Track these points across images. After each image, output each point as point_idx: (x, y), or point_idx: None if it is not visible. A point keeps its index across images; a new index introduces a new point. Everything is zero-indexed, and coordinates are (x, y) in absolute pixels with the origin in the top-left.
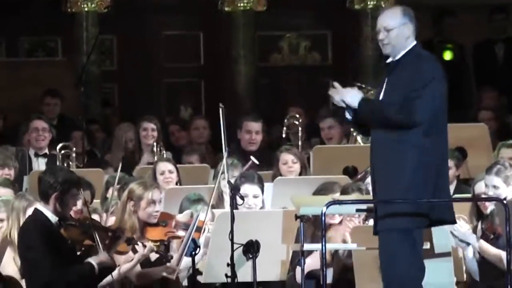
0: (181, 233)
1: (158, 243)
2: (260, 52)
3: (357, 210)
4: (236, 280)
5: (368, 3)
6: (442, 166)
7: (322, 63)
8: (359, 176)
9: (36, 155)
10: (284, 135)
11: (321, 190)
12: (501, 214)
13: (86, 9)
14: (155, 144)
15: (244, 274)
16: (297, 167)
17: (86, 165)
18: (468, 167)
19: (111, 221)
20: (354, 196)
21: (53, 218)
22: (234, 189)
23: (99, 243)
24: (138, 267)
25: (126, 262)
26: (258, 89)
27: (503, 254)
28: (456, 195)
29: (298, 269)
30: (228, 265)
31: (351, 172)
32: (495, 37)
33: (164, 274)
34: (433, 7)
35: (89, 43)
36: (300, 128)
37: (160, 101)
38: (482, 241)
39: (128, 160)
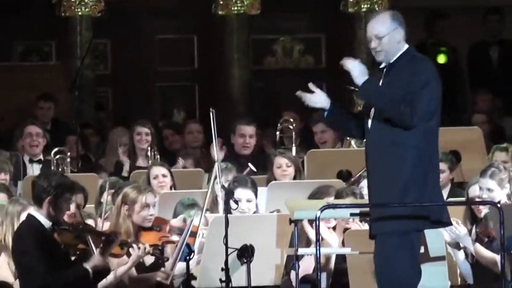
0: (175, 238)
1: (152, 248)
2: (254, 56)
3: (351, 214)
4: (230, 285)
5: (362, 6)
6: (436, 166)
7: (316, 67)
8: (353, 179)
9: (31, 161)
10: (278, 139)
11: (317, 194)
12: (495, 218)
13: (80, 13)
14: (149, 148)
15: (238, 279)
16: (291, 171)
17: (80, 169)
18: (462, 170)
19: (105, 225)
20: (349, 200)
21: (47, 223)
22: (228, 194)
23: (93, 248)
24: (134, 272)
25: (121, 265)
26: (252, 93)
27: (497, 257)
28: (451, 199)
29: (293, 273)
30: (222, 269)
31: (345, 176)
32: (490, 40)
33: (159, 279)
34: (426, 10)
35: (83, 47)
36: (294, 132)
37: (154, 105)
38: (477, 245)
39: (122, 164)
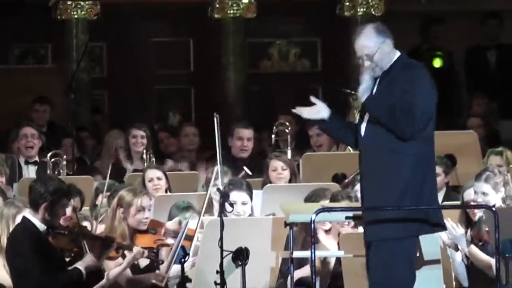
0: (170, 240)
1: (147, 250)
2: (250, 59)
3: (347, 218)
4: None
5: (358, 10)
6: (433, 171)
7: (311, 70)
8: (347, 181)
9: (26, 162)
10: (273, 142)
11: (313, 196)
12: (490, 221)
13: (76, 16)
14: (144, 151)
15: (233, 282)
16: (286, 174)
17: (76, 172)
18: (457, 174)
19: (100, 228)
20: (344, 203)
21: (41, 226)
22: (224, 196)
23: (88, 252)
24: (129, 273)
25: (116, 266)
26: (248, 96)
27: (492, 260)
28: (446, 202)
29: (288, 277)
30: (217, 272)
31: (340, 179)
32: (488, 43)
33: (154, 281)
34: (421, 15)
35: (79, 50)
36: (289, 136)
37: (150, 108)
38: (472, 246)
39: (118, 167)
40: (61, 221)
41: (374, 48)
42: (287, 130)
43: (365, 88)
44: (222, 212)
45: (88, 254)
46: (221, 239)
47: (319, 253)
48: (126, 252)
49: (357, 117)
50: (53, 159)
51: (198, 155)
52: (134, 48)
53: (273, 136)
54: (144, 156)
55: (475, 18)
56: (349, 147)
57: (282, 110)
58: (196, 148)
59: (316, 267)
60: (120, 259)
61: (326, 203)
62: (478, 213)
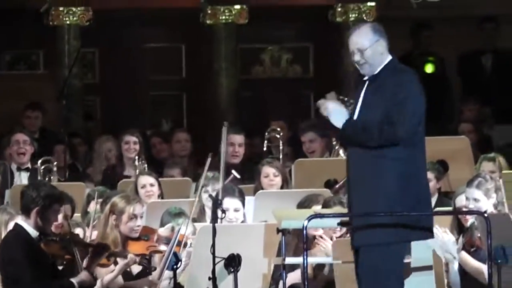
0: (163, 247)
1: (139, 257)
2: (242, 65)
3: (339, 224)
4: None
5: (350, 16)
6: (422, 176)
7: (303, 76)
8: (337, 186)
9: (19, 169)
10: (265, 149)
11: (306, 201)
12: (481, 227)
13: (68, 22)
14: (137, 157)
15: None
16: (278, 180)
17: (68, 178)
18: (449, 180)
19: (93, 235)
20: (336, 209)
21: (34, 233)
22: (216, 203)
23: (79, 259)
24: (121, 280)
25: (108, 273)
26: (240, 102)
27: (483, 267)
28: (438, 208)
29: (281, 283)
30: (209, 279)
31: (332, 185)
32: (483, 48)
33: (146, 287)
34: (413, 20)
35: (71, 56)
36: (281, 142)
37: (142, 114)
38: (463, 253)
39: (110, 173)
40: (53, 229)
41: (368, 44)
42: (278, 136)
43: (337, 118)
44: (215, 218)
45: (84, 272)
46: (213, 245)
47: (311, 260)
48: (118, 259)
49: None
50: (44, 166)
51: (190, 161)
52: (126, 54)
53: (265, 142)
54: (137, 162)
55: (467, 23)
56: (341, 153)
57: (274, 116)
58: (188, 154)
59: (308, 273)
60: (112, 266)
61: (318, 208)
62: (470, 219)
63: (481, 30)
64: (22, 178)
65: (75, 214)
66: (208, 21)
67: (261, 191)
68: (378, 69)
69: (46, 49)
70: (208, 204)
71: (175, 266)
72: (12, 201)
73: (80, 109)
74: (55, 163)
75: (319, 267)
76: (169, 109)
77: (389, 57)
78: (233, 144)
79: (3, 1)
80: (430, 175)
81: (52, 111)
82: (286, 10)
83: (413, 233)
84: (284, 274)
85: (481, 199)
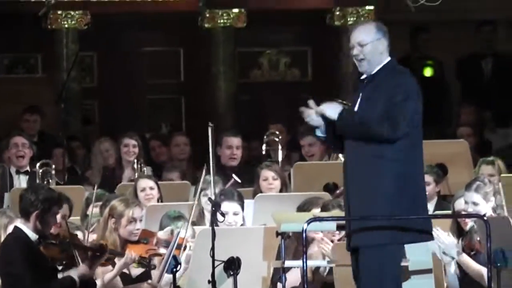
0: (162, 250)
1: (139, 263)
2: (240, 69)
3: (338, 228)
4: None
5: (348, 19)
6: (419, 178)
7: (302, 79)
8: (338, 192)
9: (18, 172)
10: (264, 152)
11: (306, 204)
12: (481, 231)
13: (66, 25)
14: (135, 160)
15: None
16: (277, 183)
17: (67, 182)
18: (448, 183)
19: (92, 238)
20: (335, 212)
21: (33, 236)
22: (215, 206)
23: (79, 263)
24: (120, 284)
25: (106, 273)
26: (238, 105)
27: (483, 270)
28: (437, 212)
29: (279, 286)
30: (209, 282)
31: (331, 188)
32: (482, 52)
33: None
34: (412, 23)
35: (69, 60)
36: (280, 145)
37: (140, 117)
38: (464, 255)
39: (109, 176)
40: (52, 229)
41: (369, 40)
42: (277, 140)
43: (331, 112)
44: (214, 222)
45: (82, 264)
46: (212, 248)
47: (311, 263)
48: (116, 259)
49: None
50: (42, 169)
51: (189, 164)
52: (125, 58)
53: (264, 145)
54: (135, 165)
55: (465, 27)
56: (340, 157)
57: (272, 120)
58: (187, 157)
59: (301, 277)
60: (110, 267)
61: (317, 212)
62: (469, 223)
63: (479, 33)
64: (21, 181)
65: (75, 218)
66: (206, 25)
67: (260, 194)
68: (377, 69)
69: (44, 53)
70: (207, 207)
71: (174, 269)
72: (11, 204)
73: (78, 112)
74: (53, 166)
75: (316, 268)
76: (168, 112)
77: (388, 59)
78: (231, 147)
79: (2, 5)
80: (429, 178)
81: (51, 115)
82: (284, 13)
83: (410, 235)
84: (283, 277)
85: (480, 203)
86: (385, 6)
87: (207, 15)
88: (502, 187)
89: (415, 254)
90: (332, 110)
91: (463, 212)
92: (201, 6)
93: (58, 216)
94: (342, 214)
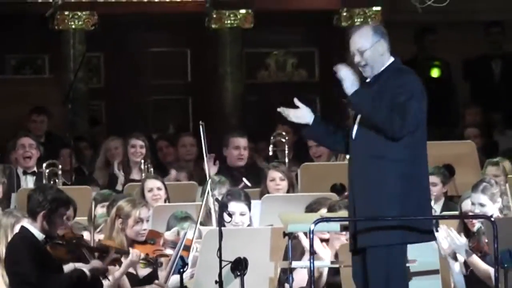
0: (169, 251)
1: (145, 261)
2: (247, 69)
3: (342, 228)
4: None
5: (356, 20)
6: (423, 178)
7: (309, 80)
8: (346, 193)
9: (25, 172)
10: (271, 153)
11: (315, 204)
12: (488, 232)
13: (73, 26)
14: (142, 161)
15: None
16: (284, 184)
17: (74, 182)
18: (456, 184)
19: (99, 238)
20: (341, 213)
21: (40, 236)
22: (222, 207)
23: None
24: (127, 285)
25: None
26: (245, 106)
27: (491, 271)
28: (444, 213)
29: (287, 286)
30: (216, 282)
31: (339, 189)
32: (491, 53)
33: None
34: (419, 24)
35: (76, 61)
36: (287, 146)
37: (147, 118)
38: (474, 256)
39: (115, 177)
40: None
41: (368, 45)
42: (284, 140)
43: (350, 84)
44: (221, 222)
45: (96, 260)
46: (219, 249)
47: (318, 264)
48: (123, 257)
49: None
50: (49, 169)
51: (196, 165)
52: (132, 58)
53: (271, 146)
54: (142, 166)
55: (472, 28)
56: (347, 157)
57: (279, 120)
58: (194, 158)
59: (308, 277)
60: (117, 266)
61: (324, 212)
62: (476, 224)
63: (487, 35)
64: (28, 182)
65: (83, 218)
66: (213, 26)
67: (267, 195)
68: (380, 70)
69: (51, 54)
70: (215, 207)
71: (181, 270)
72: (18, 204)
73: (85, 113)
74: (60, 166)
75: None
76: (175, 113)
77: (391, 59)
78: (238, 148)
79: (9, 6)
80: (436, 179)
81: (58, 115)
82: (292, 14)
83: (415, 235)
84: (290, 278)
85: (486, 204)
86: (392, 7)
87: (214, 16)
88: (509, 188)
89: (422, 255)
90: (350, 83)
91: (470, 213)
92: (208, 6)
93: (65, 218)
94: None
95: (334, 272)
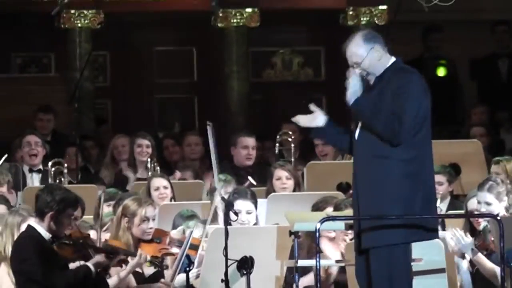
0: (175, 250)
1: (152, 263)
2: (253, 68)
3: (348, 227)
4: None
5: (362, 19)
6: (428, 177)
7: (315, 79)
8: (351, 192)
9: (31, 170)
10: (277, 152)
11: (321, 202)
12: (494, 230)
13: (79, 25)
14: (149, 160)
15: None
16: (290, 183)
17: (80, 181)
18: (462, 183)
19: (105, 237)
20: (347, 212)
21: (46, 235)
22: (228, 205)
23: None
24: (133, 283)
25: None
26: (251, 105)
27: (497, 269)
28: (450, 211)
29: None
30: (222, 281)
31: (345, 188)
32: (497, 52)
33: None
34: (425, 24)
35: (82, 59)
36: (293, 145)
37: (153, 117)
38: (479, 254)
39: (120, 175)
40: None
41: (363, 55)
42: (290, 139)
43: (352, 93)
44: (227, 221)
45: (99, 254)
46: (225, 248)
47: (324, 262)
48: (129, 258)
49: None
50: (55, 168)
51: (201, 163)
52: (137, 57)
53: (277, 145)
54: (149, 165)
55: (478, 27)
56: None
57: (285, 119)
58: (199, 157)
59: (314, 276)
60: (123, 266)
61: (330, 211)
62: (482, 223)
63: (493, 34)
64: (34, 180)
65: (88, 217)
66: (219, 24)
67: (273, 193)
68: (381, 71)
69: (57, 52)
70: (221, 206)
71: (187, 269)
72: (24, 202)
73: (91, 112)
74: (65, 165)
75: (328, 269)
76: (180, 112)
77: (392, 59)
78: (247, 147)
79: (15, 4)
80: (442, 178)
81: (63, 114)
82: (298, 13)
83: (419, 233)
84: (297, 276)
85: (492, 203)
86: (398, 6)
87: (220, 15)
88: None
89: (428, 254)
90: (352, 93)
91: (476, 212)
92: (214, 5)
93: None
94: None
95: (342, 270)
